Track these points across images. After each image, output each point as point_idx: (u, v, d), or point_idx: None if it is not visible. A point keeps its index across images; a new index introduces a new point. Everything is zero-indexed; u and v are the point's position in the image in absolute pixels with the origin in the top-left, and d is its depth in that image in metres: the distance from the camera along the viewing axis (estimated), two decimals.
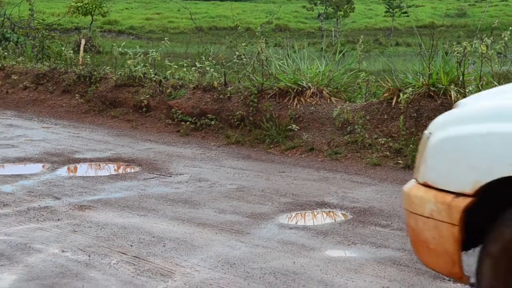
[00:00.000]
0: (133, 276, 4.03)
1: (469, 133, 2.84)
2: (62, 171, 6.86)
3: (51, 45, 14.39)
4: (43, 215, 5.27)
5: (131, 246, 4.56)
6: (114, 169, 7.06)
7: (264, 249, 4.50)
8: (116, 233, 4.85)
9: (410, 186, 3.05)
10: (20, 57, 13.39)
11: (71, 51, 12.33)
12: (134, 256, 4.36)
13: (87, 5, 24.60)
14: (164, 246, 4.57)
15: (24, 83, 11.48)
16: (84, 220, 5.15)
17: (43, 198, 5.77)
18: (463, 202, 2.76)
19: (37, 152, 7.65)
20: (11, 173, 6.70)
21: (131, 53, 10.27)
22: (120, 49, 10.60)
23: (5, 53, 13.67)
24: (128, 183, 6.38)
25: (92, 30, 25.25)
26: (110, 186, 6.24)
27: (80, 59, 12.10)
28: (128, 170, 6.99)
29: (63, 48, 12.82)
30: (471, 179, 2.76)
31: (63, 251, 4.43)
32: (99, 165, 7.25)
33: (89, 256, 4.35)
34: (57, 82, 11.18)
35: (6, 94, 11.48)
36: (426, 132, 3.08)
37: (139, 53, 10.32)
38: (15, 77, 11.68)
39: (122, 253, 4.41)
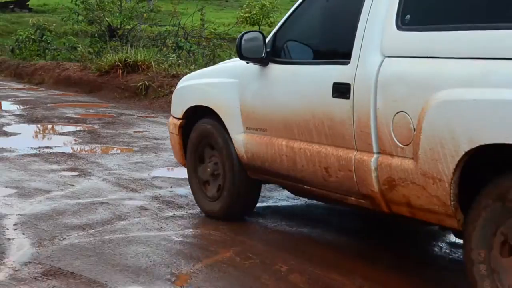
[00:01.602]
0: (301, 286, 4.06)
1: (182, 85, 5.70)
2: None
3: (221, 54, 14.93)
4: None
5: (299, 256, 4.60)
6: None
7: None
8: (284, 241, 4.91)
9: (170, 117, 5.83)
10: (193, 65, 14.00)
11: None
12: (302, 266, 4.40)
13: (255, 15, 25.24)
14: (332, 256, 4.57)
15: None
16: (254, 227, 5.27)
17: None
18: (179, 122, 5.61)
19: None
20: (184, 176, 6.98)
21: None
22: None
23: (179, 61, 14.35)
24: None
25: None
26: (277, 193, 6.33)
27: None
28: None
29: (232, 57, 13.24)
30: (181, 109, 5.58)
31: (235, 255, 4.56)
32: None
33: (260, 261, 4.44)
34: None
35: None
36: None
37: None
38: None
39: (291, 262, 4.46)
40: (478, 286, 3.35)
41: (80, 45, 16.98)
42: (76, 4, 18.43)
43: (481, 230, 3.35)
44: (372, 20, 3.99)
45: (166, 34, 16.91)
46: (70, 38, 19.03)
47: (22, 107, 11.67)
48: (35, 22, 19.28)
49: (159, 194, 6.22)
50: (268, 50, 4.70)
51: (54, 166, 7.24)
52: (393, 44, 3.87)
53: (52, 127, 10.11)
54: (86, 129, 9.79)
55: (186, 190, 6.38)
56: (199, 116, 5.42)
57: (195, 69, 13.31)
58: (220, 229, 5.14)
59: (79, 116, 10.94)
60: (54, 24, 20.27)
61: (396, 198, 3.82)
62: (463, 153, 3.35)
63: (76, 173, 6.95)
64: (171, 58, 14.18)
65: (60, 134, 9.52)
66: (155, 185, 6.55)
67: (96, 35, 17.29)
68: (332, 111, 4.13)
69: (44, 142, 9.08)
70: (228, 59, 14.48)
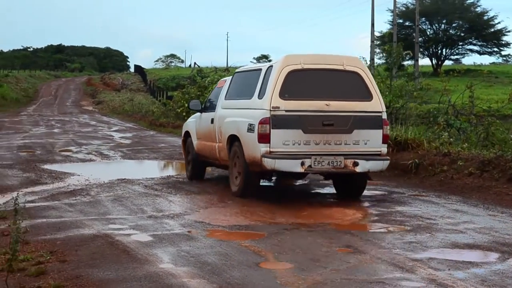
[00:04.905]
0: None
1: (189, 121, 13.41)
2: None
3: (496, 132, 14.33)
4: None
5: None
6: None
7: None
8: None
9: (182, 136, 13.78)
10: (465, 144, 13.59)
11: None
12: None
13: None
14: None
15: (469, 169, 11.54)
16: None
17: None
18: (182, 138, 13.65)
19: (486, 240, 7.54)
20: (462, 259, 6.70)
21: None
22: None
23: (450, 139, 14.03)
24: None
25: None
26: None
27: None
28: None
29: (509, 135, 12.62)
30: (183, 133, 13.53)
31: None
32: None
33: None
34: (503, 169, 10.99)
35: (451, 179, 11.67)
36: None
37: None
38: (460, 163, 11.84)
39: None
40: (231, 181, 10.70)
41: None
42: None
43: (231, 160, 10.57)
44: (221, 97, 11.49)
45: (435, 112, 16.70)
46: None
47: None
48: None
49: (437, 276, 6.01)
50: (203, 107, 12.30)
51: (326, 242, 7.39)
52: (223, 104, 11.31)
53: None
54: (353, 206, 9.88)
55: (464, 273, 6.11)
56: (188, 136, 12.98)
57: (467, 148, 12.98)
58: None
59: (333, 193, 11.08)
60: None
61: (222, 158, 11.05)
62: (227, 137, 10.66)
63: (350, 250, 7.02)
64: (443, 136, 13.90)
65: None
66: (432, 267, 6.35)
67: None
68: (210, 128, 11.51)
69: None
70: (502, 137, 13.93)
